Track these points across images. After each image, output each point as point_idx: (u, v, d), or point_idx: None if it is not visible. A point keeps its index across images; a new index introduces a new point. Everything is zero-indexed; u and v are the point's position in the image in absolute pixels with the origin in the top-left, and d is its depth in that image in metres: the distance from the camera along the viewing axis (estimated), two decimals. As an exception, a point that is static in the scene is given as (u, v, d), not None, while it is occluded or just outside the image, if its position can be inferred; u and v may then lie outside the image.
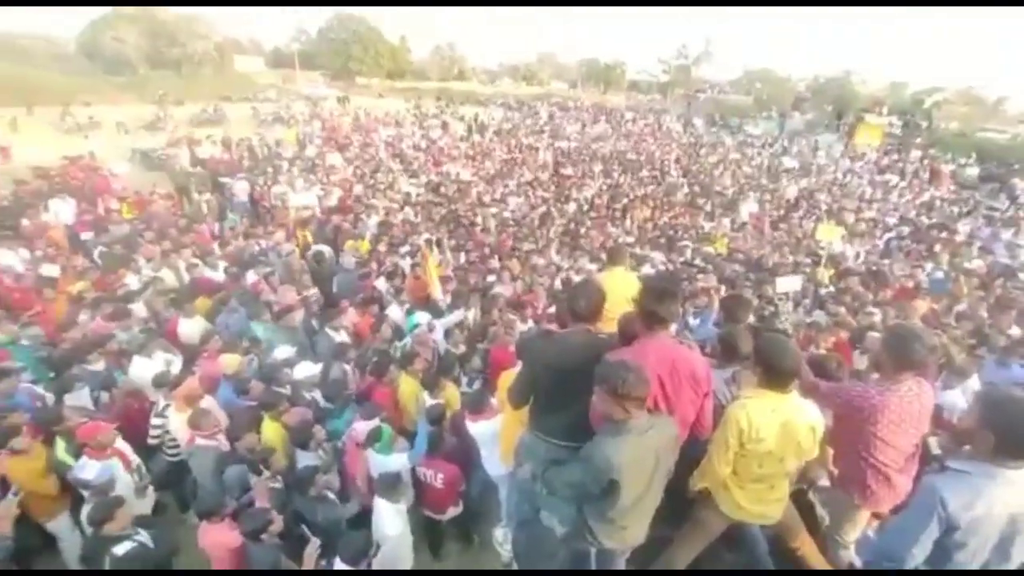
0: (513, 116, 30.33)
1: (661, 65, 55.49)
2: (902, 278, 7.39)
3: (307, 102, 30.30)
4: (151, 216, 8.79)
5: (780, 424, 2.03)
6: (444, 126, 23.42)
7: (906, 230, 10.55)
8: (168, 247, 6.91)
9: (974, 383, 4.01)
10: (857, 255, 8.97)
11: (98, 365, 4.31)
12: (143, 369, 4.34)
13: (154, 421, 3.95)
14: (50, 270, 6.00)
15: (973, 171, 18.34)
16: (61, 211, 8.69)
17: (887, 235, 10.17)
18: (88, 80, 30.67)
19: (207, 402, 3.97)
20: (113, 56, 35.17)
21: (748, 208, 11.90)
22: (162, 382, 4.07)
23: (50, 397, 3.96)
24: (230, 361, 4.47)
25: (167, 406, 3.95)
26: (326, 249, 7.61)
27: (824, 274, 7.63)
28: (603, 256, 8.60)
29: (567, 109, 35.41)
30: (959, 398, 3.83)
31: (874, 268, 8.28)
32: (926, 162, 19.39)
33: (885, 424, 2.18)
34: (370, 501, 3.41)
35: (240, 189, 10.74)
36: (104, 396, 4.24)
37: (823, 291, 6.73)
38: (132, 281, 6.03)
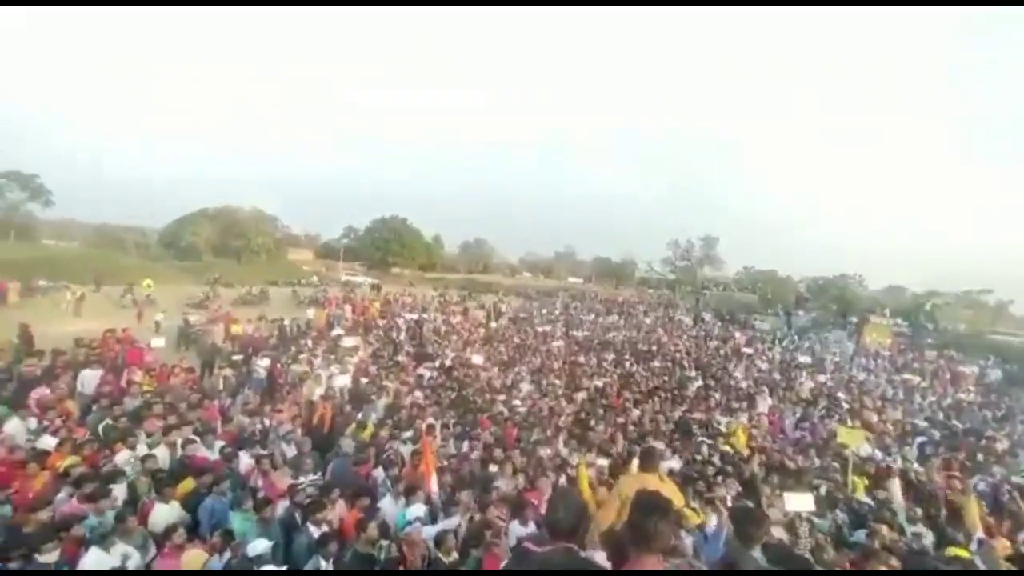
0: (530, 305, 32.40)
1: (667, 265, 61.09)
2: (948, 492, 6.66)
3: (343, 287, 33.37)
4: (166, 389, 9.00)
5: None
6: (464, 312, 25.02)
7: (937, 434, 9.90)
8: (173, 422, 6.86)
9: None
10: (890, 461, 8.26)
11: (51, 556, 3.92)
12: (95, 564, 3.92)
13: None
14: (45, 443, 5.88)
15: (996, 373, 17.95)
16: (87, 381, 8.89)
17: (919, 439, 9.52)
18: (158, 264, 35.31)
19: (152, 612, 3.48)
20: (186, 246, 41.23)
21: (764, 403, 11.57)
22: (109, 583, 3.65)
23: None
24: (194, 559, 4.05)
25: (105, 615, 3.45)
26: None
27: (859, 484, 6.92)
28: (613, 451, 8.23)
29: (581, 299, 37.83)
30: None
31: (915, 479, 7.52)
32: (942, 362, 19.20)
33: None
34: None
35: (262, 366, 11.11)
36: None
37: (855, 504, 6.05)
38: (123, 457, 5.80)
